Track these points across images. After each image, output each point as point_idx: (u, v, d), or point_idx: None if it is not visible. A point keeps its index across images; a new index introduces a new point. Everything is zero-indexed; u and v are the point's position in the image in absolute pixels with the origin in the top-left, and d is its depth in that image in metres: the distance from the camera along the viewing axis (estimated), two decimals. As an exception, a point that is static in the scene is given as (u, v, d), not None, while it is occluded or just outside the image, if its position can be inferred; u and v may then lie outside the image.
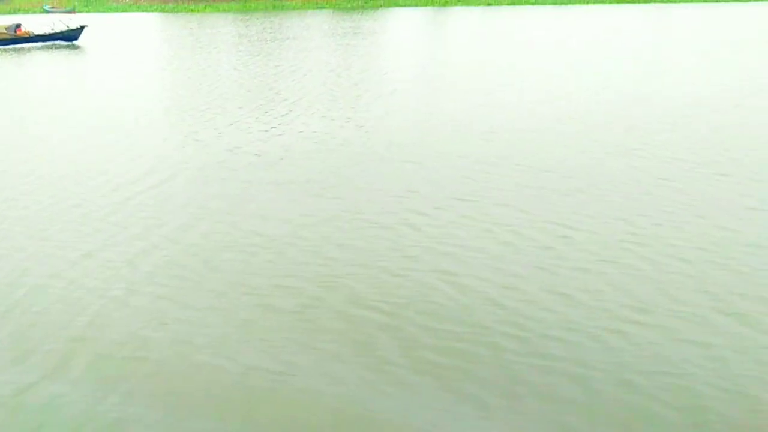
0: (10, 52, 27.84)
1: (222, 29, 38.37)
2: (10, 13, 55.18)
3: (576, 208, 6.62)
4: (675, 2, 53.54)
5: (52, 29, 29.98)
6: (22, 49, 28.98)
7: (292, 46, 26.24)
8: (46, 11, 61.25)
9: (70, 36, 30.12)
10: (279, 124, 11.37)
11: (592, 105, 12.18)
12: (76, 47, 29.09)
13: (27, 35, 29.88)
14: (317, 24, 40.97)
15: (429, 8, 56.77)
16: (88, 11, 61.25)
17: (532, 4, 55.88)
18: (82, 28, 30.29)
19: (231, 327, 4.67)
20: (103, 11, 62.38)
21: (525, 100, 12.87)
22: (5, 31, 29.54)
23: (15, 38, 29.58)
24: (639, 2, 54.43)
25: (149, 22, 49.36)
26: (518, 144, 9.39)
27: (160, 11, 64.07)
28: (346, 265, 5.57)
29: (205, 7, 66.92)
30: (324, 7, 62.35)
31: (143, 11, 61.60)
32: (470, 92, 14.12)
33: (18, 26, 30.01)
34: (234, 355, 4.31)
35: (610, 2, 54.86)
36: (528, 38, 27.51)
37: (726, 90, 13.25)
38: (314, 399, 3.85)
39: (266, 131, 10.84)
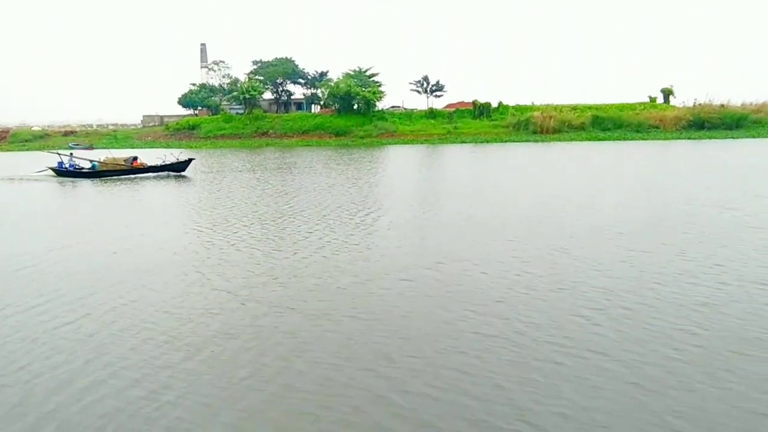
0: (129, 182, 32.59)
1: (248, 156, 44.68)
2: (42, 149, 59.71)
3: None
4: (658, 139, 63.82)
5: (164, 161, 34.89)
6: (138, 178, 33.72)
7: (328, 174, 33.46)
8: (71, 147, 66.10)
9: (179, 167, 34.85)
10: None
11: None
12: (184, 177, 34.08)
13: (142, 167, 34.68)
14: (324, 157, 48.19)
15: (422, 146, 65.20)
16: (114, 147, 66.49)
17: (514, 141, 66.13)
18: (189, 160, 35.35)
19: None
20: (121, 147, 67.71)
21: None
22: (124, 163, 34.40)
23: (132, 169, 34.32)
24: (615, 140, 64.92)
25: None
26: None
27: (178, 147, 70.28)
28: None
29: (206, 143, 74.38)
30: (312, 145, 69.85)
31: (163, 147, 67.42)
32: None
33: (135, 159, 34.94)
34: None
35: (584, 140, 65.57)
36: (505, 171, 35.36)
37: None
38: None
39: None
